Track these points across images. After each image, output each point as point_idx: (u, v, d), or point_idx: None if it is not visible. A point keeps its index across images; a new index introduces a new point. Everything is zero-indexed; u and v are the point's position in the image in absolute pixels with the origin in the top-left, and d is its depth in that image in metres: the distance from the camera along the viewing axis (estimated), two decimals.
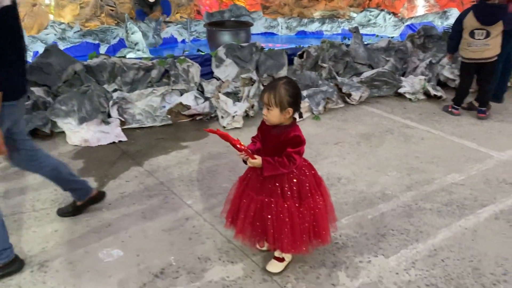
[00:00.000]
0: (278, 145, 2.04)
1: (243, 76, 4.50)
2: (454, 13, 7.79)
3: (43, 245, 2.43)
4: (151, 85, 4.56)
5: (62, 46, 5.75)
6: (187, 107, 4.32)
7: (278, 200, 2.06)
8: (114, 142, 3.81)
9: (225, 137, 1.99)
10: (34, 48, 5.94)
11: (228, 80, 4.66)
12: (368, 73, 5.10)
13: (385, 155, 3.59)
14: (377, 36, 7.40)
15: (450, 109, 4.56)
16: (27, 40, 6.03)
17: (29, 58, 5.84)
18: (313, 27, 8.51)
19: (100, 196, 2.80)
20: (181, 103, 4.33)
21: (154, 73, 4.61)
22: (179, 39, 7.40)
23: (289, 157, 1.97)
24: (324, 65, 5.08)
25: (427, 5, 9.80)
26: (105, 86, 4.43)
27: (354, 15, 9.45)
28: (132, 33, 5.73)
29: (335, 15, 9.78)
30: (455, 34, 4.37)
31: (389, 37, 6.22)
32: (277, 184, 2.07)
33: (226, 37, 6.31)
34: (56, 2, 7.57)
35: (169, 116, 4.29)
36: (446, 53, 4.76)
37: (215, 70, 4.87)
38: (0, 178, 3.18)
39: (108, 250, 2.39)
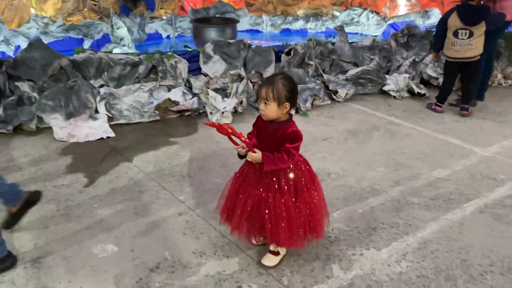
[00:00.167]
0: (275, 140, 2.06)
1: (232, 72, 4.51)
2: (435, 13, 7.96)
3: (35, 241, 2.40)
4: (138, 81, 4.53)
5: (45, 40, 5.58)
6: (175, 103, 4.31)
7: (275, 195, 2.09)
8: (102, 138, 3.78)
9: (222, 129, 1.98)
10: (15, 42, 5.82)
11: (217, 76, 4.66)
12: (353, 71, 5.17)
13: (372, 151, 3.66)
14: (361, 34, 7.50)
15: (433, 107, 4.67)
16: (8, 34, 5.91)
17: (11, 52, 5.72)
18: (298, 25, 8.57)
19: (35, 197, 2.55)
20: (169, 99, 4.32)
21: (141, 68, 4.57)
22: (164, 35, 7.35)
23: (288, 153, 2.00)
24: (311, 62, 5.13)
25: (408, 4, 9.97)
26: (91, 81, 4.38)
27: (337, 13, 9.55)
28: (117, 28, 5.67)
29: (318, 13, 9.86)
30: (439, 33, 4.48)
31: (372, 36, 6.31)
32: (274, 179, 2.10)
33: (212, 33, 6.30)
34: None
35: (157, 112, 4.27)
36: (432, 51, 4.85)
37: (203, 66, 4.86)
38: None
39: (102, 245, 2.38)
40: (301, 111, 4.43)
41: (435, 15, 7.92)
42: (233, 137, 2.03)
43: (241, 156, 2.17)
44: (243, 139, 1.98)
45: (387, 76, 5.29)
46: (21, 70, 4.13)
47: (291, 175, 2.12)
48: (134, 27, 6.54)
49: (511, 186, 3.12)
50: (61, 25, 6.50)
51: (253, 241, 2.29)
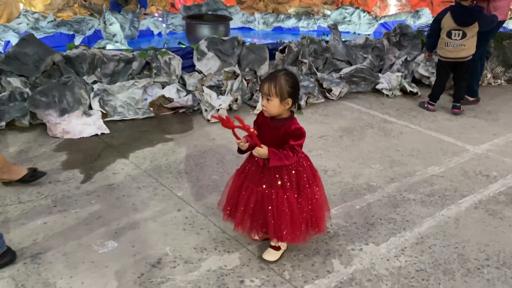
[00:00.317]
0: (277, 137, 2.07)
1: (227, 69, 4.51)
2: (426, 13, 8.05)
3: (34, 237, 2.38)
4: (132, 77, 4.50)
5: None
6: (170, 100, 4.29)
7: (278, 191, 2.10)
8: (96, 135, 3.75)
9: (228, 123, 1.97)
10: (5, 38, 5.72)
11: (211, 74, 4.66)
12: (347, 69, 5.21)
13: (367, 148, 3.69)
14: (355, 33, 7.55)
15: (426, 105, 4.73)
16: None
17: (0, 47, 5.64)
18: (290, 23, 8.59)
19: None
20: (163, 96, 4.30)
21: (135, 65, 4.55)
22: (156, 31, 7.31)
23: (293, 150, 2.01)
24: (305, 60, 5.15)
25: (398, 4, 10.07)
26: (84, 77, 4.34)
27: (328, 12, 9.60)
28: (110, 25, 5.62)
29: (309, 12, 9.91)
30: (433, 33, 4.53)
31: (365, 35, 6.37)
32: (277, 176, 2.11)
33: (205, 30, 6.29)
34: None
35: (151, 109, 4.25)
36: (425, 51, 4.91)
37: (197, 63, 4.85)
38: None
39: (101, 241, 2.37)
40: (301, 108, 4.44)
41: (426, 15, 8.01)
42: (237, 131, 2.03)
43: (241, 151, 2.17)
44: (252, 130, 1.97)
45: (380, 74, 5.34)
46: (13, 65, 4.08)
47: (293, 172, 2.13)
48: (126, 24, 6.49)
49: (503, 183, 3.19)
50: (51, 21, 6.42)
51: (256, 237, 2.30)
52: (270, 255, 2.25)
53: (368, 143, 3.81)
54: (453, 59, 4.42)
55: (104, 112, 4.04)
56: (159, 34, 7.37)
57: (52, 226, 2.49)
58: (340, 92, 4.86)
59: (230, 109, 4.30)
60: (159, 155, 3.42)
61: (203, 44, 4.89)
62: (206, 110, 4.23)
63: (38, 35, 5.86)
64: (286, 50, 5.08)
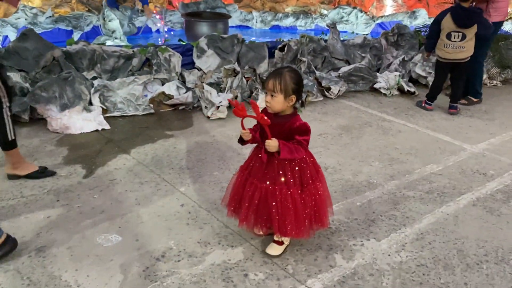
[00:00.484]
0: (281, 134, 2.08)
1: (227, 67, 4.53)
2: (422, 14, 8.12)
3: (38, 231, 2.38)
4: (132, 74, 4.51)
5: None
6: (170, 97, 4.31)
7: (282, 187, 2.12)
8: (97, 130, 3.76)
9: (241, 111, 1.97)
10: (4, 32, 5.70)
11: (211, 71, 4.67)
12: (345, 68, 5.25)
13: (366, 146, 3.73)
14: (353, 32, 7.60)
15: (423, 105, 4.78)
16: None
17: None
18: (288, 22, 8.62)
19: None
20: (163, 93, 4.32)
21: (135, 61, 4.56)
22: (154, 28, 7.30)
23: (301, 144, 2.04)
24: (304, 59, 5.18)
25: (395, 4, 10.15)
26: (84, 73, 4.34)
27: (325, 12, 9.64)
28: (109, 21, 5.61)
29: (306, 11, 9.95)
30: (433, 34, 4.56)
31: (362, 34, 6.41)
32: (281, 172, 2.13)
33: (204, 28, 6.30)
34: None
35: (151, 105, 4.27)
36: (424, 51, 4.95)
37: (197, 60, 4.87)
38: None
39: (106, 235, 2.38)
40: (305, 105, 4.48)
41: (422, 16, 8.08)
42: (243, 123, 2.04)
43: (242, 142, 2.19)
44: (265, 118, 1.98)
45: (378, 74, 5.39)
46: (13, 60, 4.07)
47: (297, 168, 2.16)
48: (124, 20, 6.48)
49: (500, 181, 3.24)
50: (50, 16, 6.39)
51: (260, 232, 2.32)
52: (273, 249, 2.28)
53: (367, 141, 3.85)
54: (452, 60, 4.47)
55: (104, 108, 4.05)
56: (157, 31, 7.37)
57: (56, 220, 2.50)
58: (338, 91, 4.90)
59: (229, 106, 4.32)
60: (160, 151, 3.44)
61: (203, 42, 4.91)
62: (206, 107, 4.25)
63: (36, 31, 5.84)
64: (286, 48, 5.10)
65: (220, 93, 4.35)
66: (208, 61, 4.85)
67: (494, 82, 5.99)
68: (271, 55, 5.14)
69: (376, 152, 3.63)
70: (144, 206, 2.67)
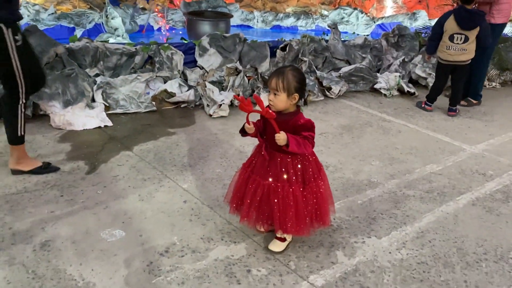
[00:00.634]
0: (284, 132, 2.11)
1: (229, 65, 4.56)
2: (422, 15, 8.16)
3: (42, 225, 2.40)
4: (134, 71, 4.53)
5: None
6: (172, 94, 4.33)
7: (284, 184, 2.15)
8: (99, 127, 3.78)
9: (247, 107, 1.99)
10: None
11: (213, 69, 4.70)
12: (346, 68, 5.28)
13: (367, 146, 3.76)
14: (354, 33, 7.63)
15: (423, 105, 4.81)
16: None
17: None
18: (288, 22, 8.65)
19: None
20: (165, 90, 4.34)
21: (138, 59, 4.57)
22: (156, 27, 7.32)
23: (308, 139, 2.06)
24: (305, 59, 5.21)
25: (395, 6, 10.18)
26: (87, 70, 4.36)
27: (325, 12, 9.67)
28: (112, 19, 5.63)
29: (307, 12, 9.98)
30: (435, 35, 4.58)
31: (363, 35, 6.44)
32: (283, 170, 2.16)
33: (206, 27, 6.32)
34: None
35: (153, 103, 4.29)
36: (425, 53, 4.96)
37: (199, 59, 4.89)
38: None
39: (109, 230, 2.40)
40: (307, 103, 4.50)
41: (422, 18, 8.12)
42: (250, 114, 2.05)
43: (243, 133, 2.20)
44: (271, 111, 2.00)
45: (378, 74, 5.42)
46: None
47: (299, 166, 2.18)
48: (126, 18, 6.50)
49: (499, 181, 3.27)
50: (52, 13, 6.41)
51: (261, 229, 2.35)
52: (276, 246, 2.30)
53: (368, 140, 3.88)
54: (453, 62, 4.49)
55: (107, 105, 4.07)
56: (159, 29, 7.39)
57: (60, 215, 2.52)
58: (339, 91, 4.93)
59: (231, 105, 4.34)
60: (162, 148, 3.46)
61: (205, 40, 4.93)
62: (208, 105, 4.27)
63: (39, 27, 5.87)
64: (287, 48, 5.13)
65: (222, 92, 4.37)
66: (210, 60, 4.87)
67: (493, 84, 6.03)
68: (273, 55, 5.17)
69: (377, 151, 3.66)
70: (147, 202, 2.70)
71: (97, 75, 4.37)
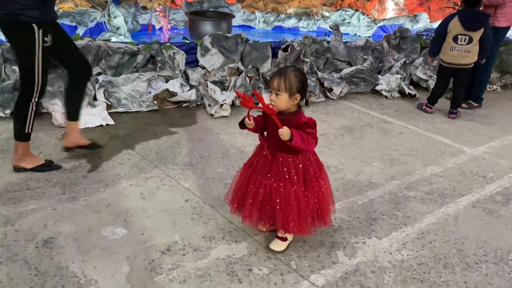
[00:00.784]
0: None
1: (231, 66, 4.57)
2: (423, 18, 8.18)
3: (44, 223, 2.41)
4: (136, 70, 4.54)
5: None
6: (173, 94, 4.34)
7: (285, 184, 2.16)
8: (101, 125, 3.79)
9: (248, 103, 2.01)
10: None
11: (215, 69, 4.71)
12: (347, 69, 5.30)
13: (368, 147, 3.77)
14: (355, 35, 7.65)
15: (424, 107, 4.82)
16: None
17: (3, 37, 5.62)
18: (290, 23, 8.66)
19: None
20: (167, 90, 4.35)
21: (140, 58, 4.59)
22: (157, 26, 7.34)
23: (312, 135, 2.07)
24: (306, 59, 5.22)
25: (396, 8, 10.20)
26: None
27: (327, 14, 9.70)
28: (114, 17, 5.64)
29: (308, 13, 10.00)
30: (439, 37, 4.59)
31: (365, 37, 6.45)
32: (285, 169, 2.17)
33: (208, 27, 6.33)
34: None
35: (155, 102, 4.30)
36: (427, 55, 4.94)
37: (201, 59, 4.90)
38: None
39: (111, 228, 2.41)
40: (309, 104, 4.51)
41: (423, 20, 8.14)
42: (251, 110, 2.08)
43: (242, 126, 2.20)
44: (271, 107, 2.02)
45: (379, 76, 5.43)
46: None
47: (300, 166, 2.19)
48: (128, 17, 6.51)
49: (500, 183, 3.28)
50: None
51: (263, 229, 2.36)
52: (277, 245, 2.31)
53: (369, 142, 3.89)
54: (456, 65, 4.50)
55: (109, 103, 4.08)
56: (160, 29, 7.40)
57: (62, 212, 2.53)
58: (340, 92, 4.95)
59: (233, 105, 4.35)
60: (164, 147, 3.47)
61: (207, 40, 4.94)
62: (209, 105, 4.28)
63: None
64: (289, 49, 5.14)
65: (223, 92, 4.39)
66: (212, 60, 4.89)
67: (494, 87, 6.04)
68: (274, 55, 5.18)
69: (378, 152, 3.68)
70: (149, 201, 2.71)
71: (99, 74, 4.38)
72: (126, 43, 4.64)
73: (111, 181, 2.90)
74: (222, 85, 4.58)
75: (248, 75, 4.80)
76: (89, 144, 3.23)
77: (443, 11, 9.64)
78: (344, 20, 8.54)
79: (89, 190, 2.78)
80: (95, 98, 4.08)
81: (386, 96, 5.19)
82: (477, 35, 4.36)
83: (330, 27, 5.83)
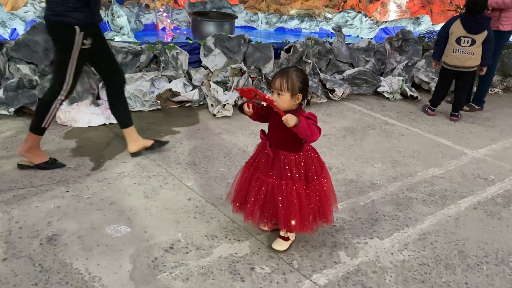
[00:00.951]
0: (287, 129, 2.10)
1: (234, 66, 4.59)
2: (426, 20, 8.19)
3: (48, 220, 2.43)
4: (139, 70, 4.56)
5: None
6: (176, 94, 4.36)
7: (287, 182, 2.18)
8: (104, 124, 3.81)
9: (248, 93, 2.06)
10: (12, 25, 5.74)
11: (218, 69, 4.73)
12: (350, 71, 5.31)
13: (370, 148, 3.79)
14: (357, 36, 7.66)
15: (426, 109, 4.84)
16: (5, 16, 5.84)
17: (7, 35, 5.66)
18: (292, 24, 8.68)
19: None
20: (170, 89, 4.37)
21: (143, 58, 4.60)
22: (160, 26, 7.36)
23: (315, 125, 2.08)
24: (309, 61, 5.23)
25: (398, 10, 10.22)
26: (92, 68, 4.38)
27: (329, 15, 9.72)
28: (117, 17, 5.66)
29: (311, 14, 10.02)
30: (441, 39, 4.59)
31: (367, 39, 6.47)
32: (287, 167, 2.18)
33: (211, 27, 6.35)
34: None
35: (158, 102, 4.32)
36: (432, 60, 4.90)
37: (203, 59, 4.91)
38: None
39: (114, 226, 2.43)
40: (309, 104, 4.54)
41: (426, 22, 8.15)
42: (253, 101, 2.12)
43: (242, 110, 2.23)
44: (267, 97, 2.04)
45: (381, 78, 5.45)
46: (23, 52, 4.11)
47: (302, 164, 2.21)
48: (132, 17, 6.53)
49: (501, 186, 3.30)
50: None
51: (265, 228, 2.37)
52: (279, 245, 2.33)
53: (370, 143, 3.91)
54: (459, 67, 4.50)
55: None
56: (163, 29, 7.42)
57: (66, 210, 2.55)
58: (342, 93, 4.96)
59: (235, 105, 4.37)
60: (167, 146, 3.48)
61: (210, 41, 4.95)
62: (212, 105, 4.30)
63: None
64: (292, 50, 5.16)
65: (226, 92, 4.40)
66: (215, 60, 4.90)
67: (496, 90, 6.05)
68: (277, 56, 5.20)
69: (379, 154, 3.69)
70: (152, 199, 2.72)
71: None
72: (129, 42, 4.65)
73: (114, 180, 2.92)
74: (224, 85, 4.59)
75: (251, 76, 4.82)
76: (152, 144, 3.28)
77: (445, 14, 9.68)
78: (346, 21, 8.56)
79: (93, 188, 2.80)
80: (98, 97, 4.10)
81: (388, 98, 5.21)
82: (480, 38, 4.36)
83: (333, 29, 5.85)
